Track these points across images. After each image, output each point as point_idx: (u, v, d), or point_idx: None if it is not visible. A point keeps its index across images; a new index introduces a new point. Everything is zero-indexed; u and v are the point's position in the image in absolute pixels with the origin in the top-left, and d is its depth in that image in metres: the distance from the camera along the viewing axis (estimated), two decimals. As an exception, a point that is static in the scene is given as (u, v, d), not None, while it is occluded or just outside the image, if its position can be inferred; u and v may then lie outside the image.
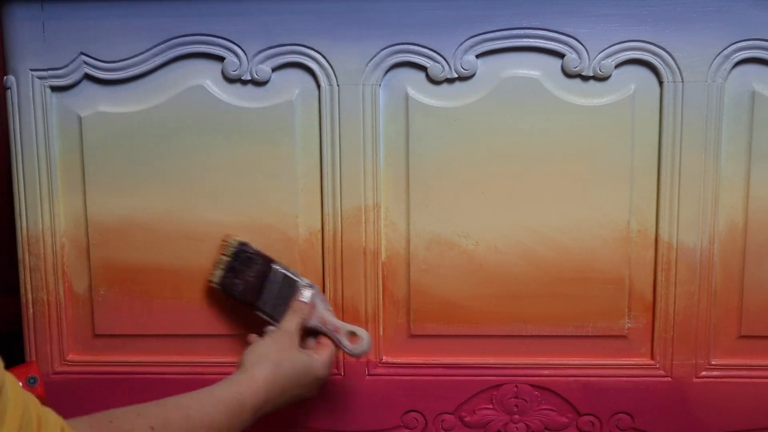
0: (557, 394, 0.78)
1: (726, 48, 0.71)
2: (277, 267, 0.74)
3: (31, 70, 0.75)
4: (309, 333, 0.73)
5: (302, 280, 0.74)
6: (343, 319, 0.76)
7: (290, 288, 0.73)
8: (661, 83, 0.73)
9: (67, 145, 0.77)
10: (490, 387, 0.78)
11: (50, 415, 0.44)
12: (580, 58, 0.72)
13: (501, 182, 0.75)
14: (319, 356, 0.70)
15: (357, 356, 0.73)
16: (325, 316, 0.73)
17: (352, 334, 0.73)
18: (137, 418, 0.53)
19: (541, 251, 0.76)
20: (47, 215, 0.77)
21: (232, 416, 0.59)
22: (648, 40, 0.72)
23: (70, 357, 0.80)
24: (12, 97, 0.75)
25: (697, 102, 0.72)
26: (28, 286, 0.78)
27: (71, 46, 0.74)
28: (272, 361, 0.65)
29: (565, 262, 0.76)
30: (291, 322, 0.71)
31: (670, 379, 0.77)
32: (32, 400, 0.43)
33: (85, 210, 0.77)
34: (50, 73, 0.75)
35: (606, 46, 0.72)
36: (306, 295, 0.73)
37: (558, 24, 0.72)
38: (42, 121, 0.76)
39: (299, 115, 0.75)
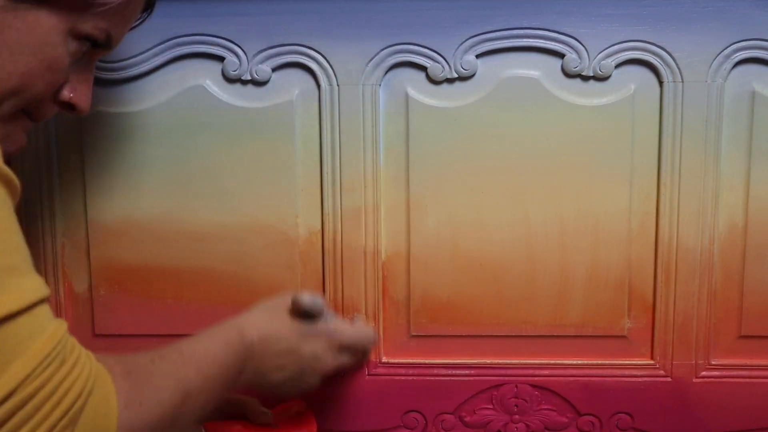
0: (557, 394, 0.78)
1: (726, 48, 0.71)
2: None
3: (31, 70, 0.75)
4: None
5: None
6: (343, 318, 0.76)
7: None
8: (661, 83, 0.73)
9: (67, 145, 0.77)
10: (490, 387, 0.78)
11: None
12: (580, 58, 0.72)
13: (501, 182, 0.75)
14: (343, 327, 0.67)
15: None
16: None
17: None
18: (136, 354, 0.53)
19: (541, 251, 0.76)
20: (47, 215, 0.77)
21: (228, 344, 0.58)
22: (648, 40, 0.72)
23: (70, 357, 0.80)
24: (12, 97, 0.75)
25: (697, 102, 0.72)
26: (28, 286, 0.78)
27: (71, 46, 0.74)
28: (277, 309, 0.64)
29: (565, 262, 0.76)
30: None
31: (670, 379, 0.77)
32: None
33: (85, 210, 0.78)
34: (50, 73, 0.75)
35: (606, 46, 0.72)
36: None
37: (558, 24, 0.72)
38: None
39: (299, 115, 0.75)
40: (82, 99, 0.56)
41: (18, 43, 0.49)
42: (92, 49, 0.55)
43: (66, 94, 0.56)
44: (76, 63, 0.54)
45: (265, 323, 0.62)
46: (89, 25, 0.52)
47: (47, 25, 0.50)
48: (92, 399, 0.45)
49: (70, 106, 0.57)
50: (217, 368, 0.56)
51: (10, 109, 0.52)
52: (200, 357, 0.56)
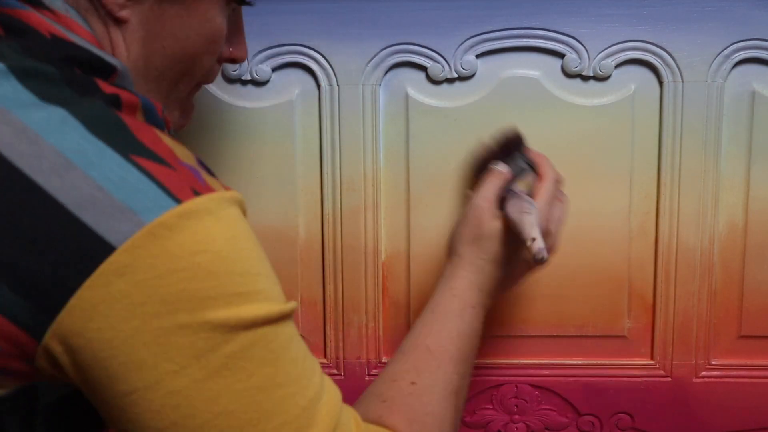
0: (557, 394, 0.78)
1: (726, 48, 0.71)
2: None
3: (31, 70, 0.75)
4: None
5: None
6: (343, 318, 0.76)
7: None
8: (661, 83, 0.73)
9: (67, 145, 0.77)
10: (490, 387, 0.78)
11: (345, 410, 0.46)
12: (580, 58, 0.72)
13: (501, 182, 0.75)
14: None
15: (539, 260, 0.57)
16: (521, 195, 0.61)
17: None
18: (394, 383, 0.54)
19: (541, 251, 0.76)
20: (47, 215, 0.77)
21: (462, 312, 0.58)
22: (648, 40, 0.72)
23: (70, 357, 0.80)
24: (12, 97, 0.75)
25: (697, 102, 0.72)
26: (28, 286, 0.78)
27: (71, 46, 0.74)
28: (473, 234, 0.61)
29: (565, 261, 0.75)
30: (487, 190, 0.63)
31: (670, 379, 0.77)
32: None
33: (85, 210, 0.77)
34: (50, 73, 0.75)
35: (606, 46, 0.72)
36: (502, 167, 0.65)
37: (558, 24, 0.72)
38: (42, 121, 0.76)
39: (299, 115, 0.75)
40: (242, 51, 0.59)
41: (182, 28, 0.51)
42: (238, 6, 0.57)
43: (226, 51, 0.58)
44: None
45: (477, 258, 0.60)
46: None
47: (205, 2, 0.51)
48: None
49: (231, 60, 0.59)
50: (467, 341, 0.58)
51: (186, 87, 0.55)
52: (447, 345, 0.56)
